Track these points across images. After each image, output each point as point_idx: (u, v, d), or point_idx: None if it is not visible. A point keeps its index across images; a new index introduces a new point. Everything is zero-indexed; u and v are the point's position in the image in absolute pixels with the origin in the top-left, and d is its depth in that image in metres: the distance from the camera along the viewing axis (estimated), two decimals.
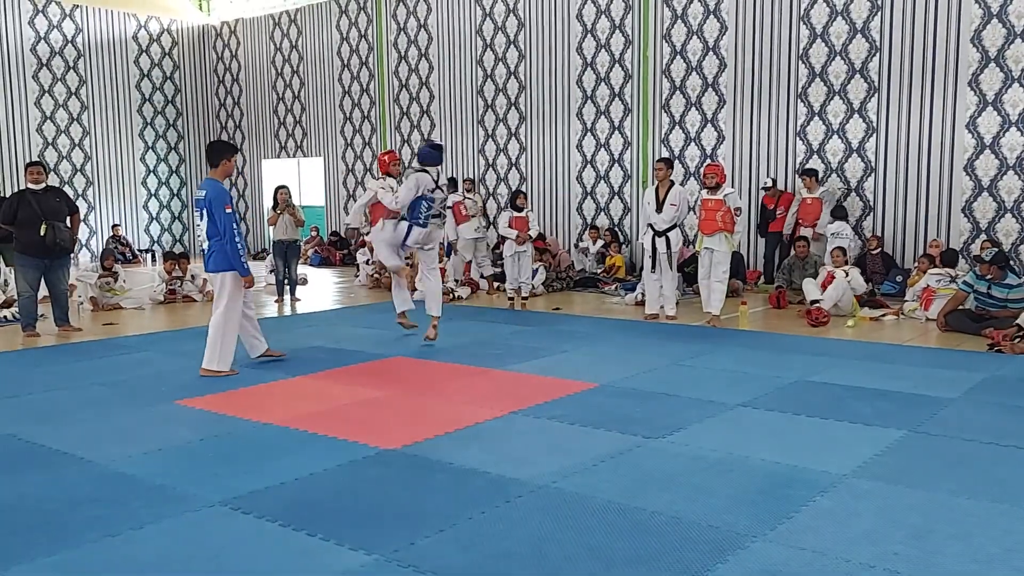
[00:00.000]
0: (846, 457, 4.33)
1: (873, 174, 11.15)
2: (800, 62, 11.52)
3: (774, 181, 11.56)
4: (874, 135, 11.09)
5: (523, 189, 13.61)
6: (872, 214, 11.19)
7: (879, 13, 10.90)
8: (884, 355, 7.08)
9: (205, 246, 6.50)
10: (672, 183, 8.85)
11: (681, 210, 8.86)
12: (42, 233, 8.16)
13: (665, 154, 12.68)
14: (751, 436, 4.76)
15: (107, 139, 17.58)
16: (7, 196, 9.94)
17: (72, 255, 8.91)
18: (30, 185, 8.39)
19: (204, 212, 6.39)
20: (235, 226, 6.41)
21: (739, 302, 9.20)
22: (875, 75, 10.99)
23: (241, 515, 3.65)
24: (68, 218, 8.49)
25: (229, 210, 6.36)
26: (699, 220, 8.78)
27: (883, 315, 8.98)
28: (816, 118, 11.48)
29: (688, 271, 10.54)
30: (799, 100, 11.59)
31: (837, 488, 3.90)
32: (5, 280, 9.53)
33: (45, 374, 6.67)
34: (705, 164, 10.70)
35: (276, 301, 10.87)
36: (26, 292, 8.37)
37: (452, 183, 11.91)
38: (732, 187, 10.41)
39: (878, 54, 10.96)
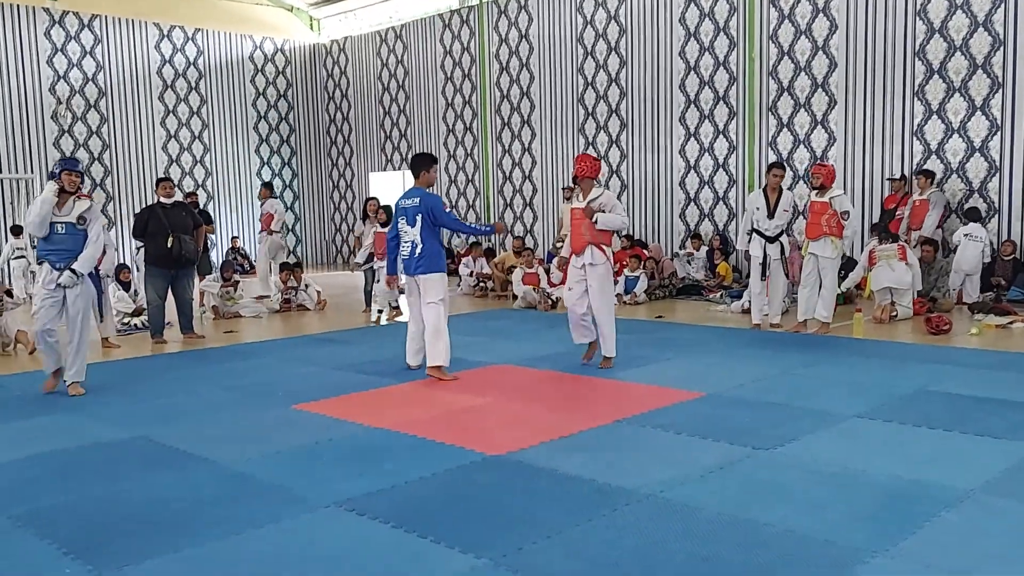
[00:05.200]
0: (974, 472, 4.11)
1: (998, 174, 10.54)
2: (916, 59, 11.02)
3: (903, 176, 10.98)
4: (998, 133, 10.49)
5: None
6: (997, 216, 10.58)
7: (1002, 5, 10.31)
8: (1013, 364, 6.67)
9: (417, 251, 6.63)
10: (781, 188, 8.66)
11: (789, 215, 8.69)
12: (169, 245, 8.66)
13: (772, 157, 12.36)
14: (869, 448, 4.58)
15: (226, 155, 18.47)
16: (139, 211, 10.59)
17: (195, 266, 9.41)
18: (161, 199, 8.91)
19: (418, 218, 6.63)
20: (456, 216, 7.49)
21: (853, 309, 8.85)
22: (999, 70, 10.40)
23: (355, 516, 3.76)
24: (193, 231, 8.99)
25: (448, 209, 7.29)
26: (805, 223, 8.54)
27: (1011, 322, 8.48)
28: (934, 116, 10.95)
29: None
30: (916, 98, 11.09)
31: (965, 504, 3.70)
32: (136, 290, 10.15)
33: (172, 379, 7.05)
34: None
35: (363, 311, 10.83)
36: (154, 301, 8.87)
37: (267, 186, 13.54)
38: (842, 190, 10.05)
39: (1002, 48, 10.37)
